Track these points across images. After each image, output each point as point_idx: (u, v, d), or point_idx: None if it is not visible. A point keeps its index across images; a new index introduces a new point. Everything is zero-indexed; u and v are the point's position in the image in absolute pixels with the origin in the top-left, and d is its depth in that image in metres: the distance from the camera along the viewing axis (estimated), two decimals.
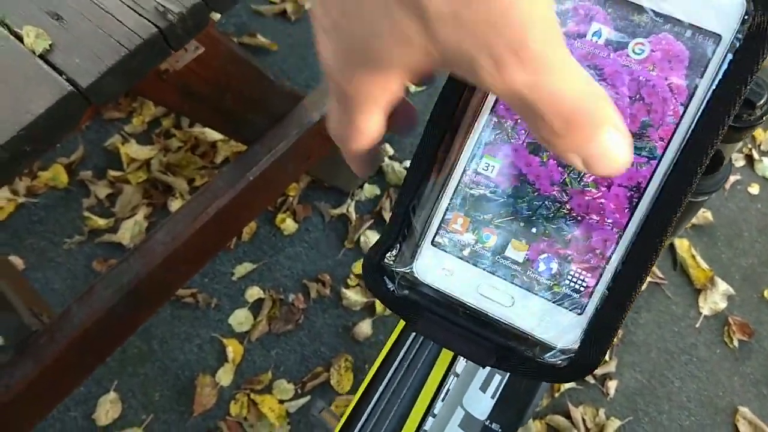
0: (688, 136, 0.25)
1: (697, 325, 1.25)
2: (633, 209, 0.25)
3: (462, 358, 0.38)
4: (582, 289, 0.25)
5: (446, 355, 0.40)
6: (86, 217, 1.35)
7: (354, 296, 1.28)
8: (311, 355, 1.23)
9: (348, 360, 1.22)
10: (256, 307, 1.28)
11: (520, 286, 0.26)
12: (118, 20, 0.65)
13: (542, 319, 0.26)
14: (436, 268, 0.27)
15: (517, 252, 0.26)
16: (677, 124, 0.25)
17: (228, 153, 1.42)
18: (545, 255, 0.26)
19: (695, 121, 0.25)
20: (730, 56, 0.24)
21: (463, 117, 0.27)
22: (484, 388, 0.43)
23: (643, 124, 0.25)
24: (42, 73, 0.62)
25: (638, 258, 0.25)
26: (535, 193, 0.26)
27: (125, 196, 1.38)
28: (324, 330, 1.26)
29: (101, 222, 1.34)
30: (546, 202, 0.26)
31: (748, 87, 0.24)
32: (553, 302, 0.26)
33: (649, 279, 1.29)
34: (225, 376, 1.21)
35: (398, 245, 0.28)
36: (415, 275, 0.28)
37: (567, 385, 1.17)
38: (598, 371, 1.19)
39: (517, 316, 0.26)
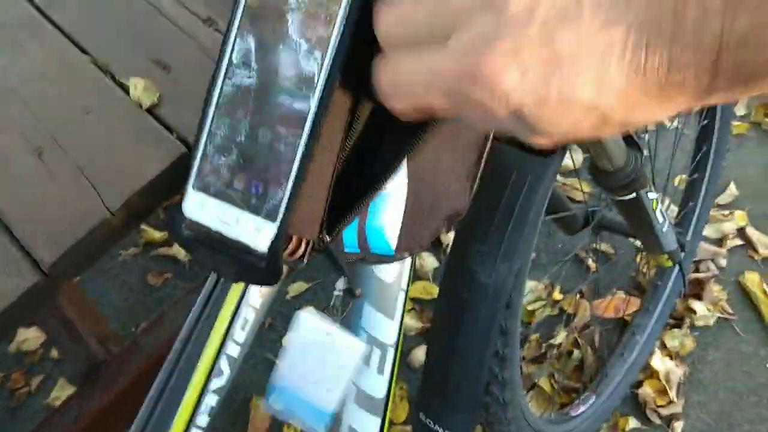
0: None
1: None
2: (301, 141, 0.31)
3: (253, 288, 0.45)
4: (276, 202, 0.32)
5: (237, 287, 0.46)
6: (142, 230, 1.35)
7: (408, 321, 1.25)
8: None
9: (403, 388, 1.19)
10: None
11: (241, 208, 0.33)
12: None
13: (255, 232, 0.32)
14: (196, 205, 0.34)
15: (239, 182, 0.33)
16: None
17: None
18: (255, 181, 0.32)
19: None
20: None
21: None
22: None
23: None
24: (152, 130, 0.58)
25: (303, 173, 0.31)
26: (247, 139, 0.33)
27: None
28: None
29: (157, 235, 1.34)
30: (255, 146, 0.32)
31: None
32: (260, 216, 0.32)
33: (717, 314, 1.24)
34: None
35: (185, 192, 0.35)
36: (185, 214, 0.35)
37: (631, 425, 1.13)
38: (664, 411, 1.14)
39: (240, 233, 0.33)
